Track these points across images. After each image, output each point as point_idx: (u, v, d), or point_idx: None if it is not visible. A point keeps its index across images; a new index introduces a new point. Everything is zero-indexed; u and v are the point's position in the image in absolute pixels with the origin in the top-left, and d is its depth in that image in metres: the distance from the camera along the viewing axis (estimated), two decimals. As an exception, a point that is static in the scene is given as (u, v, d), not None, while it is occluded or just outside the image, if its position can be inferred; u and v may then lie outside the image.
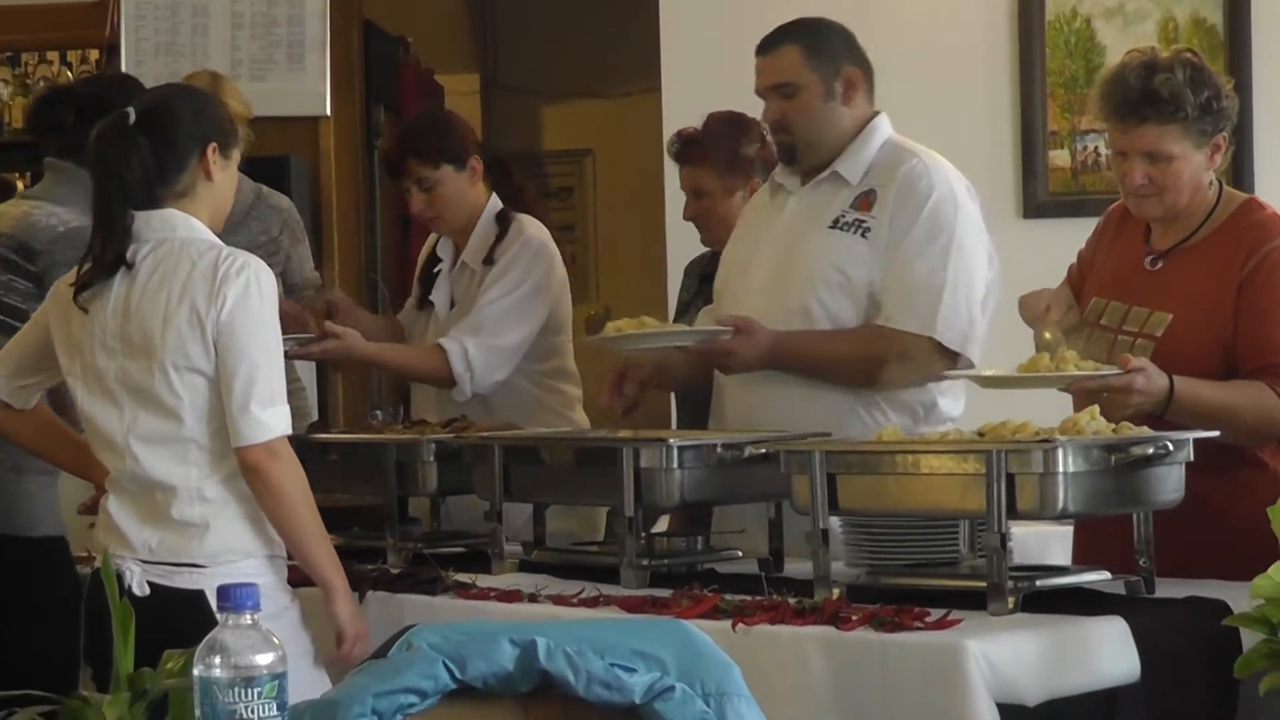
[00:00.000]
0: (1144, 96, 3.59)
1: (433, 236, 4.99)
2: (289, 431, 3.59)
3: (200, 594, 3.45)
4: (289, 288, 5.24)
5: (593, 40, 9.55)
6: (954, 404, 4.13)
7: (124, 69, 6.65)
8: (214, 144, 3.68)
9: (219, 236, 3.54)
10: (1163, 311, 3.65)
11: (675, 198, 5.33)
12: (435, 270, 4.86)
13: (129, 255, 3.60)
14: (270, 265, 5.14)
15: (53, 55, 8.66)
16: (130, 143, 3.60)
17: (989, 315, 4.08)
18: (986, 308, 4.05)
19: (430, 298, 4.85)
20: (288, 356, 4.27)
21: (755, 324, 4.02)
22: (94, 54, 8.36)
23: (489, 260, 4.72)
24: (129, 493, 3.65)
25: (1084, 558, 3.75)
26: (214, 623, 1.97)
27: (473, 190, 4.77)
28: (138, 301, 3.60)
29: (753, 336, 4.00)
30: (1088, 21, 5.76)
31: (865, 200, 4.07)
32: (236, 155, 3.77)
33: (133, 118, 3.62)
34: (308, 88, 6.53)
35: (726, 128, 4.94)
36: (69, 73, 8.68)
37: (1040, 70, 5.77)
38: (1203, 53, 3.75)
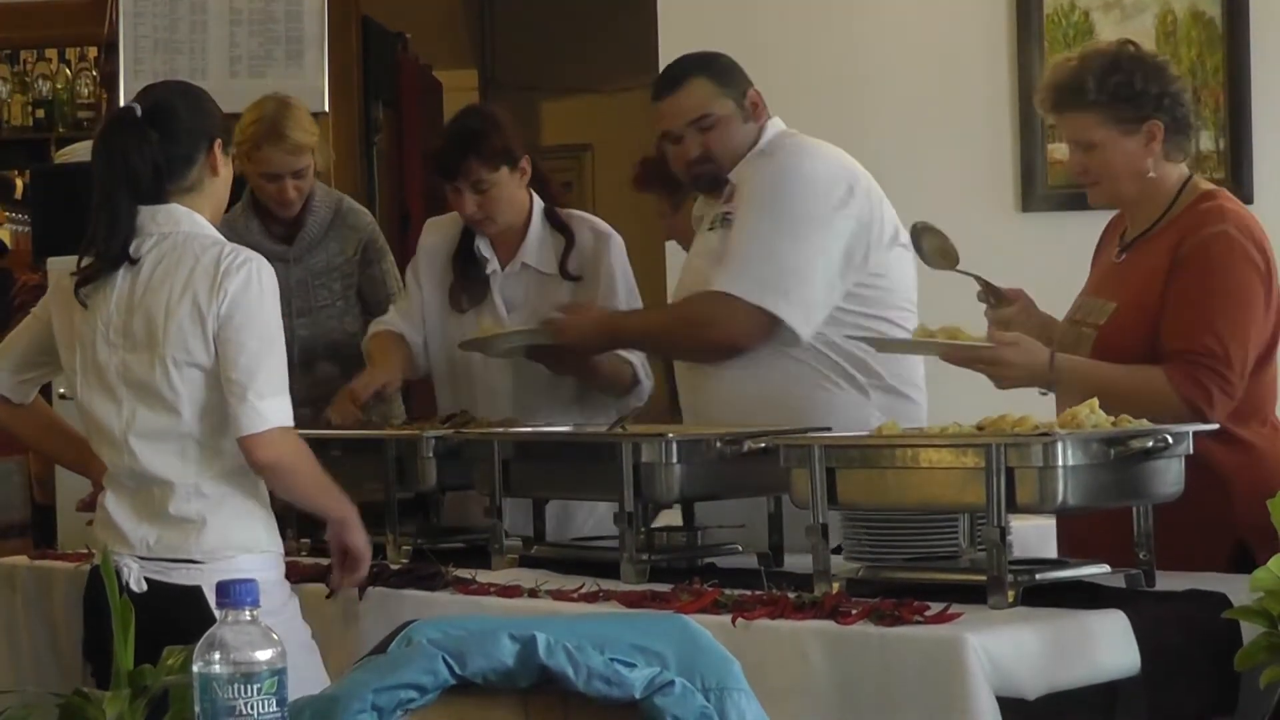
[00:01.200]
0: (1054, 87, 3.72)
1: (436, 234, 4.83)
2: (289, 423, 3.58)
3: (198, 590, 3.45)
4: (365, 306, 5.09)
5: (591, 35, 9.55)
6: (903, 364, 4.20)
7: (122, 66, 6.64)
8: (219, 139, 3.69)
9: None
10: (1112, 302, 3.68)
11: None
12: (490, 271, 4.68)
13: (133, 249, 3.61)
14: (344, 287, 5.09)
15: (51, 53, 8.68)
16: (141, 137, 3.61)
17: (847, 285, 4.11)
18: (819, 270, 4.08)
19: (495, 299, 4.68)
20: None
21: (585, 306, 4.44)
22: (92, 51, 8.37)
23: (569, 273, 4.65)
24: (127, 489, 3.65)
25: (1075, 552, 3.74)
26: (212, 619, 1.97)
27: (521, 191, 4.67)
28: (141, 296, 3.60)
29: (581, 314, 4.38)
30: (1086, 14, 5.75)
31: (731, 194, 4.25)
32: (232, 153, 3.78)
33: (139, 113, 3.62)
34: (306, 84, 6.52)
35: None
36: (68, 70, 8.69)
37: (1039, 63, 5.75)
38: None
